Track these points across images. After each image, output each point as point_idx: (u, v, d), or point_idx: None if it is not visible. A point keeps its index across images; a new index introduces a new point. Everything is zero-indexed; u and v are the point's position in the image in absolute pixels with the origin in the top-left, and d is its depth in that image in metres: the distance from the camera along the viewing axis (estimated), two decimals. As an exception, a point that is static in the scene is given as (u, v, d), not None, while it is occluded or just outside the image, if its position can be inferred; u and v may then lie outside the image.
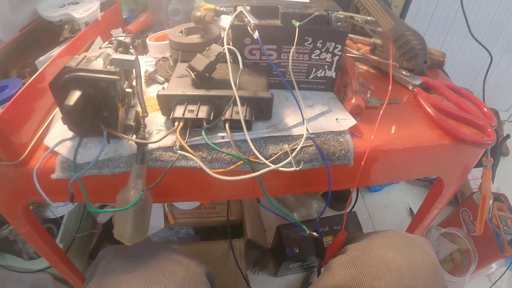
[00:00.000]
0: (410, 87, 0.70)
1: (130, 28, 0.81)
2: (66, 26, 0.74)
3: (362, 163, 0.54)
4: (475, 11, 1.36)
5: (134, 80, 0.56)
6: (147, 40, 0.72)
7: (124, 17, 0.90)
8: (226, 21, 0.73)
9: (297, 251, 0.93)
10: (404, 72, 0.71)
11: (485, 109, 0.66)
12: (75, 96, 0.44)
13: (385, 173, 0.64)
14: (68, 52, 0.65)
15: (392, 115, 0.61)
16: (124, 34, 0.78)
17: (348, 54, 0.74)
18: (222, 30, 0.66)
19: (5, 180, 0.53)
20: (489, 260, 1.09)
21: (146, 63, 0.69)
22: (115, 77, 0.45)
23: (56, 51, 0.73)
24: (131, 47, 0.61)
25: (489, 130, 0.59)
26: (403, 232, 0.63)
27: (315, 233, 0.57)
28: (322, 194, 1.22)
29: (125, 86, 0.49)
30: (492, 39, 1.47)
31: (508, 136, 1.50)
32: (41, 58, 0.71)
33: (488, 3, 1.37)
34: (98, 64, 0.48)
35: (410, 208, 1.39)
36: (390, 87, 0.58)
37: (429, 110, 0.62)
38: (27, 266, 0.96)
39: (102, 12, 0.75)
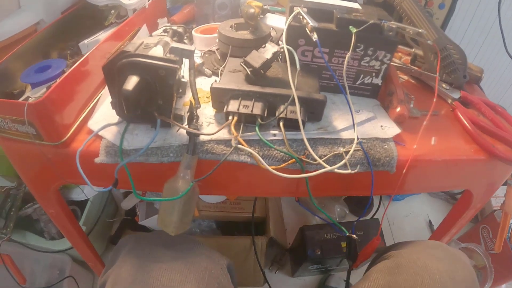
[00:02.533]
0: (449, 100, 0.70)
1: (175, 18, 0.82)
2: (113, 11, 0.75)
3: (404, 170, 0.54)
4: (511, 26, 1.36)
5: (182, 70, 0.56)
6: (193, 32, 0.73)
7: (167, 7, 0.91)
8: (271, 19, 0.74)
9: (319, 252, 0.94)
10: (444, 85, 0.72)
11: (519, 128, 0.66)
12: (133, 81, 0.44)
13: (421, 183, 0.64)
14: (114, 37, 0.65)
15: (431, 126, 0.62)
16: (169, 24, 0.79)
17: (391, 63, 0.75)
18: (271, 29, 0.67)
19: (44, 160, 0.54)
20: (505, 279, 1.10)
21: (192, 56, 0.70)
22: (176, 66, 0.46)
23: (101, 35, 0.74)
24: (185, 37, 0.62)
25: None
26: (444, 245, 0.63)
27: (354, 236, 0.58)
28: (345, 198, 1.23)
29: (181, 75, 0.51)
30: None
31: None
32: (85, 41, 0.72)
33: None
34: (158, 51, 0.49)
35: (430, 221, 1.39)
36: (434, 99, 0.58)
37: (467, 124, 0.63)
38: (48, 246, 0.98)
39: (150, 1, 0.76)
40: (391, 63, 0.74)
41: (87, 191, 0.98)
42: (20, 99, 0.56)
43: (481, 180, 0.67)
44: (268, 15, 0.75)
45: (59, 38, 0.73)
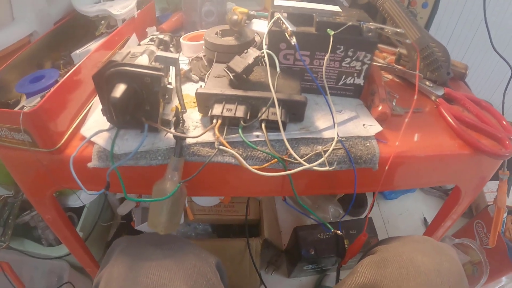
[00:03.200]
0: (433, 98, 0.73)
1: (164, 27, 0.85)
2: (103, 21, 0.78)
3: (386, 167, 0.57)
4: (498, 23, 1.39)
5: (170, 77, 0.59)
6: (181, 40, 0.76)
7: (156, 15, 0.94)
8: (257, 24, 0.77)
9: (313, 252, 0.96)
10: (427, 83, 0.74)
11: (504, 122, 0.68)
12: (120, 88, 0.47)
13: (407, 179, 0.67)
14: (105, 47, 0.68)
15: (415, 123, 0.64)
16: (158, 32, 0.82)
17: (374, 63, 0.77)
18: (256, 34, 0.69)
19: (39, 166, 0.57)
20: (500, 273, 1.11)
21: (180, 62, 0.73)
22: (161, 73, 0.48)
23: (92, 45, 0.77)
24: (171, 45, 0.65)
25: (507, 142, 0.62)
26: (431, 239, 0.66)
27: (338, 232, 0.61)
28: (339, 198, 1.25)
29: (166, 82, 0.53)
30: (513, 52, 1.50)
31: (529, 149, 1.51)
32: (77, 51, 0.74)
33: (511, 16, 1.39)
34: (143, 60, 0.52)
35: (425, 218, 1.41)
36: (415, 97, 0.61)
37: (450, 120, 0.65)
38: (46, 253, 1.00)
39: (139, 10, 0.79)
40: (374, 63, 0.77)
41: (83, 198, 1.00)
42: (16, 109, 0.59)
43: (468, 175, 0.69)
44: (254, 20, 0.78)
45: (52, 48, 0.76)
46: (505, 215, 1.22)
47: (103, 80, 0.49)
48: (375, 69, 0.70)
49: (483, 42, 1.38)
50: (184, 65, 0.71)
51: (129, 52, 0.54)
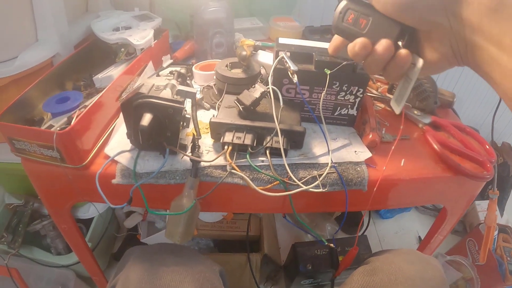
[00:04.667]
0: (420, 125, 0.84)
1: (177, 55, 0.98)
2: (123, 49, 0.90)
3: (375, 189, 0.68)
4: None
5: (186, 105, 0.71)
6: (193, 69, 0.89)
7: (169, 42, 1.07)
8: (262, 56, 0.90)
9: (310, 267, 1.07)
10: (416, 112, 0.86)
11: (487, 146, 0.80)
12: (148, 117, 0.59)
13: (394, 199, 0.78)
14: (126, 74, 0.80)
15: (403, 149, 0.76)
16: (171, 60, 0.95)
17: (368, 94, 0.90)
18: (261, 67, 0.82)
19: (65, 180, 0.68)
20: (491, 288, 1.23)
21: (192, 89, 0.85)
22: (182, 106, 0.60)
23: (112, 69, 0.87)
24: (187, 78, 0.77)
25: (488, 165, 0.73)
26: (417, 251, 0.78)
27: (331, 244, 0.72)
28: (336, 217, 1.37)
29: (185, 112, 0.65)
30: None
31: (520, 168, 1.62)
32: (99, 76, 0.85)
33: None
34: (167, 93, 0.63)
35: (419, 236, 1.52)
36: (401, 126, 0.73)
37: (435, 146, 0.76)
38: (54, 261, 1.11)
39: (155, 40, 0.91)
40: (368, 94, 0.89)
41: (91, 211, 1.11)
42: (43, 127, 0.70)
43: (453, 195, 0.80)
44: (260, 52, 0.90)
45: (73, 70, 0.86)
46: (496, 232, 1.34)
47: (131, 109, 0.61)
48: (367, 100, 0.82)
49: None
50: (196, 93, 0.83)
51: (153, 85, 0.65)
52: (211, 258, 1.12)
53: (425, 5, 0.45)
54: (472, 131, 0.85)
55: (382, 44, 0.50)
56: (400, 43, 0.51)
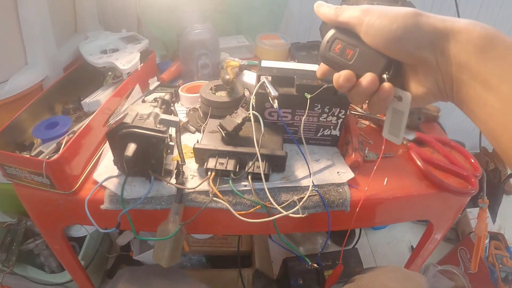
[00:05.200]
0: (405, 142, 0.85)
1: (164, 76, 1.00)
2: (110, 73, 0.92)
3: (357, 209, 0.70)
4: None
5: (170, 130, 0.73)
6: (179, 91, 0.91)
7: (156, 62, 1.09)
8: (247, 75, 0.92)
9: (301, 282, 1.09)
10: (400, 128, 0.88)
11: (472, 160, 0.82)
12: (132, 147, 0.61)
13: (378, 217, 0.79)
14: (114, 97, 0.83)
15: (386, 167, 0.78)
16: (158, 82, 0.97)
17: (352, 112, 0.92)
18: (245, 89, 0.84)
19: (55, 205, 0.70)
20: (483, 295, 1.25)
21: (179, 112, 0.87)
22: (165, 135, 0.63)
23: (100, 93, 0.89)
24: (172, 104, 0.79)
25: (473, 180, 0.75)
26: (403, 269, 0.80)
27: (316, 265, 0.75)
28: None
29: (169, 140, 0.68)
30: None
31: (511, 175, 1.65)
32: (87, 100, 0.86)
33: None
34: (151, 123, 0.66)
35: (412, 246, 1.55)
36: (383, 147, 0.74)
37: (418, 163, 0.78)
38: (48, 279, 1.14)
39: (142, 64, 0.94)
40: (352, 112, 0.91)
41: (83, 230, 1.13)
42: (33, 153, 0.72)
43: (438, 210, 0.81)
44: (245, 72, 0.93)
45: (62, 93, 0.88)
46: (487, 240, 1.36)
47: (116, 138, 0.63)
48: (351, 118, 0.84)
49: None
50: (182, 116, 0.85)
51: (137, 113, 0.67)
52: (203, 274, 1.17)
53: (413, 40, 0.46)
54: (457, 145, 0.86)
55: (367, 78, 0.51)
56: (385, 76, 0.52)
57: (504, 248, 1.35)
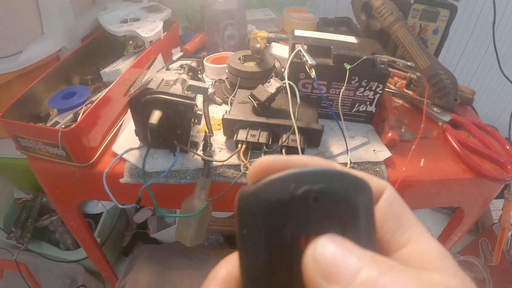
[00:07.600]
0: (440, 123, 0.79)
1: (187, 47, 0.93)
2: (131, 42, 0.85)
3: (394, 190, 0.64)
4: (506, 47, 1.46)
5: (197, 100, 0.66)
6: (204, 61, 0.84)
7: (179, 34, 1.02)
8: (276, 48, 0.85)
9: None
10: (435, 109, 0.81)
11: (508, 147, 0.75)
12: (157, 115, 0.54)
13: (413, 200, 0.73)
14: (134, 67, 0.76)
15: (422, 148, 0.71)
16: (182, 53, 0.90)
17: (386, 90, 0.84)
18: (276, 60, 0.77)
19: (71, 179, 0.64)
20: (503, 290, 1.18)
21: (204, 83, 0.80)
22: (193, 102, 0.56)
23: (120, 63, 0.84)
24: (198, 72, 0.72)
25: (509, 167, 0.68)
26: None
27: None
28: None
29: (196, 109, 0.61)
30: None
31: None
32: (106, 70, 0.81)
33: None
34: (178, 89, 0.59)
35: (431, 234, 1.48)
36: (422, 125, 0.68)
37: (455, 145, 0.72)
38: (63, 256, 1.09)
39: (165, 32, 0.87)
40: (386, 90, 0.84)
41: (101, 206, 1.08)
42: (49, 123, 0.66)
43: (471, 197, 0.76)
44: (273, 44, 0.85)
45: (80, 64, 0.82)
46: (509, 233, 1.29)
47: (139, 105, 0.56)
48: (386, 96, 0.77)
49: (491, 65, 1.46)
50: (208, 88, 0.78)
51: (163, 79, 0.61)
52: (221, 254, 1.10)
53: None
54: (492, 130, 0.80)
55: None
56: None
57: (526, 242, 1.28)
